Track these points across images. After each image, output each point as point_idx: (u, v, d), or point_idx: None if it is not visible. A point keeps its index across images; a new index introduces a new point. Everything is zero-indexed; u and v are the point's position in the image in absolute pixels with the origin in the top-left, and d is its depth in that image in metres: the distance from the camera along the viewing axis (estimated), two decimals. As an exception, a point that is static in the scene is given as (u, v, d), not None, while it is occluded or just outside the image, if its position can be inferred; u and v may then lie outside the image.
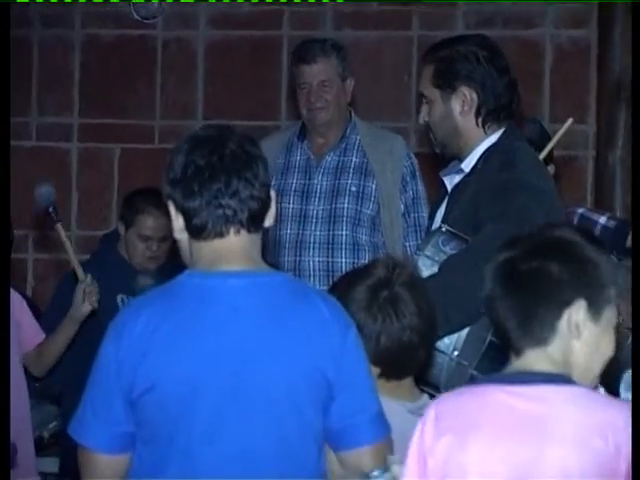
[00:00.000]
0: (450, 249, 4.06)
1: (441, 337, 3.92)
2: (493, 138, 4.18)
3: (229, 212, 3.02)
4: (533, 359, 2.76)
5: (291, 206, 5.35)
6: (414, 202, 5.35)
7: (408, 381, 3.54)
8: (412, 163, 5.41)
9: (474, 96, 4.14)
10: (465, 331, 4.00)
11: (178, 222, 3.07)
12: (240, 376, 3.05)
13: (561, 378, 2.74)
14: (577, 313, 2.76)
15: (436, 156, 4.49)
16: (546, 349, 2.76)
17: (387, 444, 3.14)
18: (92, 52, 6.81)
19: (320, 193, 5.36)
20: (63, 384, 5.20)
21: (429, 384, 3.96)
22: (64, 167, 6.78)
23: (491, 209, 4.02)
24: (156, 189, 5.23)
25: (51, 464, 5.30)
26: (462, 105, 4.15)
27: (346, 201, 5.33)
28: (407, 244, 5.25)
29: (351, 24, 6.55)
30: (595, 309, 2.78)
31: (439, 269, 4.01)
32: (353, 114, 5.44)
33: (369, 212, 5.29)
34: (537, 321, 2.75)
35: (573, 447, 2.66)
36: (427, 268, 4.07)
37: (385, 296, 3.47)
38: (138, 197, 5.54)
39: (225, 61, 6.70)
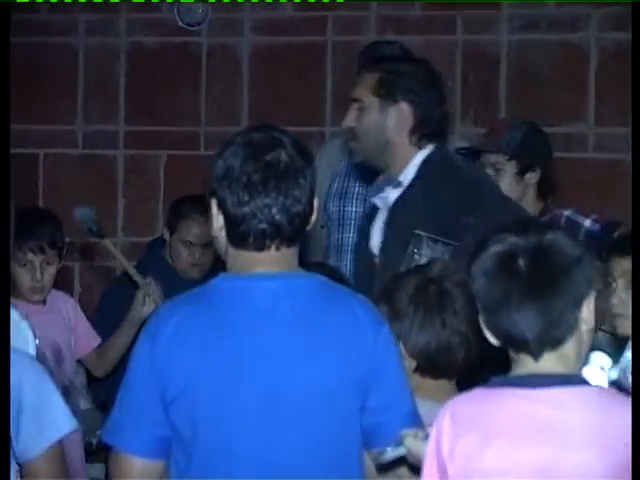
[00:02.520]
0: (436, 250, 4.11)
1: None
2: (426, 151, 4.25)
3: (273, 229, 3.01)
4: (549, 361, 2.74)
5: (353, 209, 5.35)
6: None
7: (444, 383, 3.52)
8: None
9: (411, 114, 4.19)
10: None
11: (218, 221, 3.06)
12: (275, 378, 3.03)
13: (577, 379, 2.75)
14: (588, 308, 2.75)
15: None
16: (563, 349, 2.74)
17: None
18: (137, 60, 6.83)
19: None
20: (110, 391, 5.19)
21: None
22: (110, 174, 6.81)
23: (461, 209, 4.09)
24: (202, 196, 5.26)
25: (98, 470, 5.31)
26: (398, 119, 4.20)
27: None
28: None
29: (394, 29, 6.54)
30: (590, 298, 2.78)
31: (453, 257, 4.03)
32: None
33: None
34: (560, 324, 2.72)
35: (592, 449, 2.65)
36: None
37: (433, 290, 3.49)
38: (184, 203, 5.54)
39: (270, 67, 6.71)
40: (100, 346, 4.97)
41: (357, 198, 5.37)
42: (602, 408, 2.71)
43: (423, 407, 3.30)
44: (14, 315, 3.36)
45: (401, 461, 2.99)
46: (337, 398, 3.05)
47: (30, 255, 4.79)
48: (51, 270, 4.83)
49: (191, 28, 6.72)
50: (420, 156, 4.24)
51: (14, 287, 4.76)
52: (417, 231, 4.12)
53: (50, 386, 2.99)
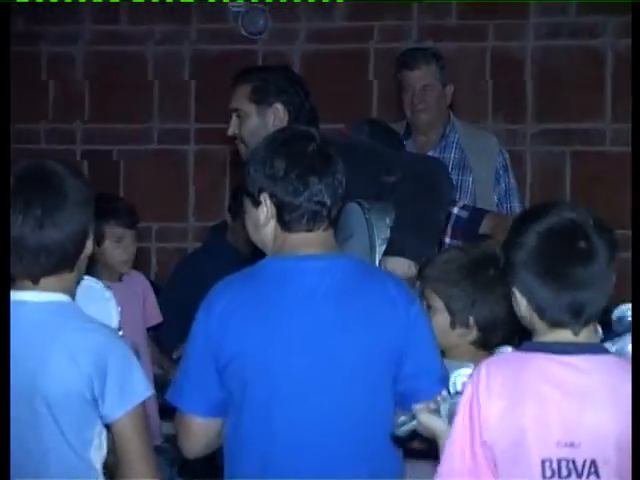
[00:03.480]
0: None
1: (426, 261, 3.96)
2: None
3: (325, 211, 3.07)
4: (579, 332, 2.69)
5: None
6: (506, 193, 5.27)
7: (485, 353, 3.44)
8: (504, 158, 5.32)
9: (285, 111, 4.20)
10: None
11: (270, 212, 3.09)
12: (317, 347, 3.04)
13: (600, 349, 2.69)
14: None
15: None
16: (589, 324, 2.71)
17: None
18: (203, 65, 6.78)
19: None
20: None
21: None
22: (182, 166, 6.82)
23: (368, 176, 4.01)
24: None
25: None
26: (275, 118, 4.20)
27: None
28: None
29: (432, 36, 6.51)
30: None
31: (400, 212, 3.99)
32: (452, 115, 5.40)
33: (467, 203, 5.18)
34: (593, 305, 2.69)
35: (611, 411, 2.62)
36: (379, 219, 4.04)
37: (492, 267, 3.43)
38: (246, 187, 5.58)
39: (319, 71, 6.59)
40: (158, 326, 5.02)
41: None
42: (619, 375, 2.67)
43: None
44: (98, 286, 3.38)
45: (414, 436, 2.94)
46: (373, 365, 3.06)
47: (122, 230, 4.88)
48: (135, 246, 4.96)
49: (253, 37, 6.71)
50: None
51: (96, 264, 4.75)
52: (353, 201, 4.08)
53: (130, 355, 2.99)
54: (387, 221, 4.04)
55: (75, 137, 6.88)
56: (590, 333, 2.71)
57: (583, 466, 2.62)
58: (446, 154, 5.28)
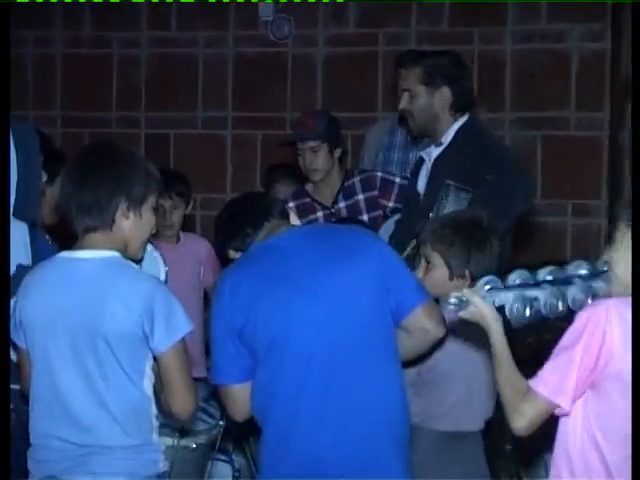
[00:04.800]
0: (460, 197, 4.08)
1: None
2: (460, 121, 4.21)
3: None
4: None
5: (397, 175, 5.16)
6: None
7: None
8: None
9: (450, 94, 4.19)
10: None
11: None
12: (315, 284, 3.01)
13: None
14: None
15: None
16: None
17: (433, 303, 3.09)
18: (241, 64, 6.79)
19: None
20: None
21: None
22: (221, 148, 6.82)
23: (483, 168, 4.06)
24: (289, 164, 5.29)
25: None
26: (441, 100, 4.19)
27: None
28: None
29: (429, 41, 6.43)
30: None
31: (471, 204, 4.01)
32: None
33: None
34: None
35: None
36: (457, 205, 4.07)
37: (481, 231, 3.47)
38: (275, 170, 5.57)
39: (337, 69, 6.66)
40: None
41: (395, 165, 5.29)
42: None
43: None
44: (149, 248, 3.25)
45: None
46: (366, 290, 3.02)
47: (161, 201, 4.94)
48: (178, 212, 4.83)
49: (280, 41, 6.70)
50: (458, 124, 4.22)
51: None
52: (447, 181, 4.10)
53: (173, 298, 2.92)
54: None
55: (139, 123, 6.90)
56: None
57: None
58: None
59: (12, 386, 3.16)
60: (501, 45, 6.42)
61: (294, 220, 3.25)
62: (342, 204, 4.84)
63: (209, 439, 3.75)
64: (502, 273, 2.76)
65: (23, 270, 3.34)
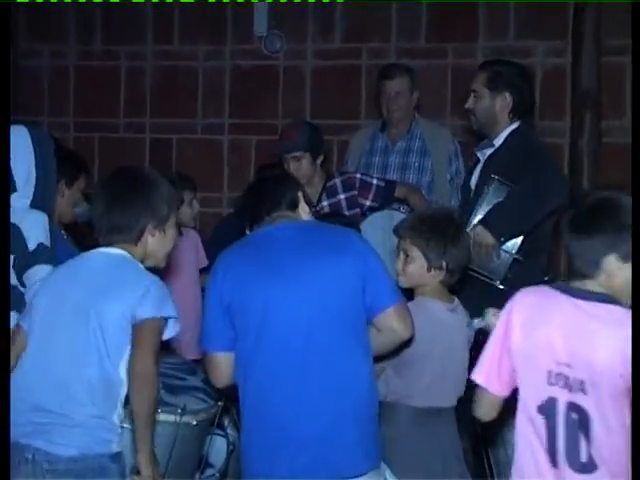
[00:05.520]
0: (500, 190, 4.16)
1: (504, 242, 3.99)
2: (514, 125, 4.29)
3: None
4: (591, 283, 2.58)
5: (375, 175, 5.17)
6: (456, 173, 5.24)
7: (445, 289, 3.50)
8: (456, 147, 5.31)
9: (511, 100, 4.24)
10: (520, 239, 4.07)
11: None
12: (298, 274, 3.00)
13: (610, 298, 2.57)
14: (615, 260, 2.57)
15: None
16: (599, 278, 2.58)
17: (404, 307, 3.11)
18: (237, 76, 6.77)
19: (394, 168, 5.27)
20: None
21: (488, 274, 3.97)
22: (219, 152, 6.81)
23: (525, 168, 4.11)
24: (279, 164, 5.17)
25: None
26: (502, 104, 4.24)
27: (411, 173, 5.26)
28: (452, 202, 5.15)
29: (407, 55, 6.43)
30: (625, 255, 2.56)
31: (507, 197, 4.06)
32: (416, 114, 5.37)
33: (427, 180, 5.25)
34: (594, 259, 2.57)
35: (606, 349, 2.51)
36: (497, 197, 4.12)
37: (455, 225, 3.49)
38: (266, 170, 5.44)
39: (323, 81, 6.65)
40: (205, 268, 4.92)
41: (376, 169, 5.27)
42: (618, 322, 2.52)
43: (437, 306, 3.39)
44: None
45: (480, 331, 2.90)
46: (343, 285, 3.01)
47: (190, 194, 4.99)
48: (195, 204, 5.07)
49: (272, 55, 6.69)
50: (510, 128, 4.27)
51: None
52: (493, 175, 4.14)
53: (167, 291, 2.96)
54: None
55: (145, 128, 6.89)
56: (607, 288, 2.56)
57: (574, 383, 2.53)
58: (411, 143, 5.27)
59: None
60: (473, 60, 6.35)
61: (303, 208, 3.22)
62: (325, 202, 4.88)
63: (208, 417, 3.70)
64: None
65: (44, 248, 3.41)
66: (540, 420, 2.58)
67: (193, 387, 3.83)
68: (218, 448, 4.07)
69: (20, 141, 3.50)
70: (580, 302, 2.58)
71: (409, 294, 3.50)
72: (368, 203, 4.82)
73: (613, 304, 2.57)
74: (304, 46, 6.72)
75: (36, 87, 6.98)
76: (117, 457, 2.91)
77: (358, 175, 4.94)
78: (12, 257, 3.36)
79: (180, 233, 4.85)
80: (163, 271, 4.87)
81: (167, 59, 6.88)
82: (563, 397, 2.55)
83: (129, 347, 2.90)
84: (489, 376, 2.68)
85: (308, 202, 3.29)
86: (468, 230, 3.98)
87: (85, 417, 2.86)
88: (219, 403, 3.75)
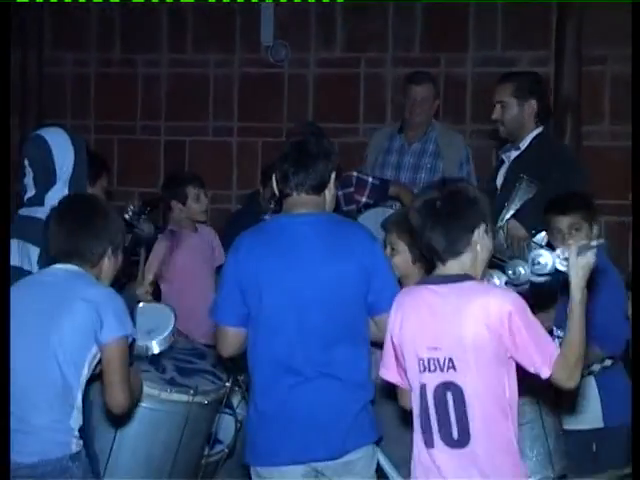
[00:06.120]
0: (529, 188, 4.11)
1: (534, 235, 3.89)
2: (537, 130, 4.26)
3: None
4: (451, 267, 2.62)
5: (389, 174, 5.18)
6: (468, 176, 5.15)
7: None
8: (467, 152, 5.27)
9: (536, 107, 4.22)
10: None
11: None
12: (308, 272, 2.99)
13: (462, 277, 2.60)
14: (479, 233, 2.61)
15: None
16: (461, 258, 2.61)
17: None
18: (246, 82, 6.77)
19: (408, 167, 5.21)
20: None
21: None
22: (228, 153, 6.79)
23: (551, 168, 4.10)
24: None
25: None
26: (528, 111, 4.21)
27: (424, 173, 5.21)
28: None
29: (402, 64, 6.40)
30: (487, 227, 2.63)
31: (537, 194, 4.05)
32: (433, 119, 5.35)
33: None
34: (457, 241, 2.60)
35: (462, 323, 2.54)
36: (526, 194, 4.09)
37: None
38: (271, 168, 5.62)
39: (325, 87, 6.65)
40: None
41: (391, 167, 5.22)
42: (467, 296, 2.55)
43: None
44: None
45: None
46: (349, 282, 3.00)
47: (198, 190, 4.93)
48: (207, 200, 5.02)
49: (278, 63, 6.68)
50: (535, 132, 4.24)
51: (185, 217, 4.88)
52: (522, 175, 4.11)
53: (123, 305, 2.92)
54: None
55: (160, 131, 6.89)
56: (464, 267, 2.59)
57: (444, 363, 2.54)
58: (426, 145, 5.22)
59: None
60: (463, 68, 6.41)
61: (330, 189, 3.11)
62: None
63: (217, 397, 3.72)
64: None
65: None
66: (417, 404, 2.60)
67: (204, 370, 3.84)
68: (226, 426, 4.08)
69: (61, 140, 3.49)
70: (435, 287, 2.60)
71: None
72: (364, 200, 4.82)
73: (464, 281, 2.57)
74: (307, 55, 6.72)
75: (60, 92, 6.98)
76: (77, 456, 2.85)
77: (355, 173, 4.91)
78: (38, 250, 3.34)
79: (195, 229, 5.00)
80: (178, 267, 4.92)
81: (180, 67, 6.88)
82: (435, 380, 2.56)
83: (91, 357, 2.85)
84: (392, 371, 2.72)
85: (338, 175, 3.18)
86: (501, 224, 4.00)
87: (43, 422, 2.81)
88: (227, 384, 3.77)
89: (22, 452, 2.78)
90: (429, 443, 2.59)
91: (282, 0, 6.58)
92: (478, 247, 2.62)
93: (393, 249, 3.47)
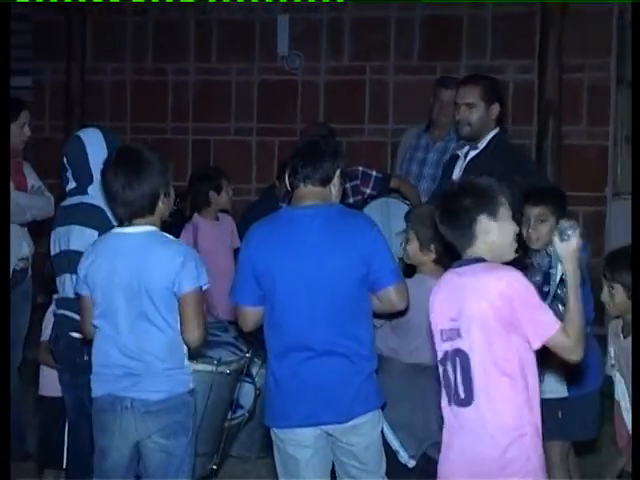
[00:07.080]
0: None
1: None
2: (494, 131, 4.10)
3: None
4: (470, 253, 2.60)
5: (414, 169, 5.09)
6: None
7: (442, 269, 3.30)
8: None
9: (499, 109, 4.10)
10: None
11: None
12: (314, 259, 2.97)
13: (476, 259, 2.58)
14: (481, 224, 2.57)
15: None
16: (475, 247, 2.59)
17: (403, 285, 3.08)
18: (264, 89, 6.76)
19: (431, 163, 5.08)
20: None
21: None
22: (248, 150, 6.78)
23: (511, 170, 3.88)
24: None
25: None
26: (493, 113, 4.08)
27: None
28: None
29: (403, 72, 6.43)
30: (493, 215, 2.58)
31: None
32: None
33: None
34: (462, 236, 2.59)
35: (474, 300, 2.53)
36: None
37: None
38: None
39: (335, 92, 6.65)
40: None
41: (417, 163, 5.10)
42: (480, 276, 2.54)
43: (432, 281, 3.18)
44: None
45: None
46: (351, 267, 2.98)
47: (225, 181, 4.93)
48: (231, 192, 5.00)
49: (292, 71, 6.67)
50: (492, 133, 4.09)
51: (204, 208, 4.90)
52: (482, 175, 4.01)
53: (199, 258, 2.95)
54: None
55: (188, 131, 6.88)
56: (484, 250, 2.56)
57: (456, 332, 2.56)
58: (449, 144, 5.06)
59: (73, 334, 3.20)
60: (457, 75, 6.17)
61: (335, 184, 3.08)
62: None
63: (239, 367, 3.77)
64: None
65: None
66: (441, 370, 2.63)
67: (225, 342, 3.83)
68: (247, 392, 4.10)
69: (96, 139, 3.42)
70: (457, 269, 2.62)
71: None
72: (368, 191, 4.77)
73: (477, 262, 2.56)
74: (318, 64, 6.72)
75: (100, 98, 7.01)
76: (193, 392, 2.99)
77: (360, 168, 4.83)
78: (95, 233, 3.27)
79: (217, 218, 5.02)
80: (204, 249, 4.93)
81: (206, 75, 6.87)
82: (450, 348, 2.60)
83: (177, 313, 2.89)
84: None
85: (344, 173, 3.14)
86: None
87: (169, 365, 2.91)
88: (247, 355, 3.75)
89: (151, 391, 2.89)
90: (448, 402, 2.62)
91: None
92: (490, 235, 2.57)
93: (408, 238, 3.50)
